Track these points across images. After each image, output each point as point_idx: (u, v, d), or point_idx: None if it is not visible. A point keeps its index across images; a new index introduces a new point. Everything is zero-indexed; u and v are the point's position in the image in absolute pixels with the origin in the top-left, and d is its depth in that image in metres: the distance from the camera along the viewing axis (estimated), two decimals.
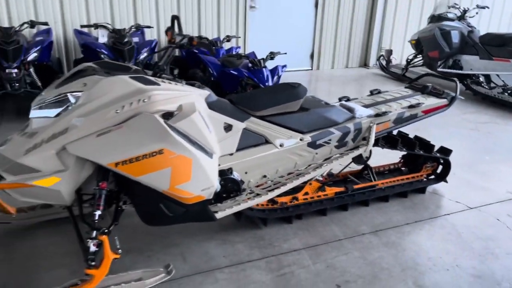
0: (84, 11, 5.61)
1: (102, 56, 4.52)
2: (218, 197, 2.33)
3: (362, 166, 3.05)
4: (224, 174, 2.32)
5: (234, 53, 5.28)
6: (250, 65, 4.40)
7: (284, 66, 4.64)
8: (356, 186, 2.90)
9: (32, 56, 4.34)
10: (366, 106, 2.88)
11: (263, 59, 4.43)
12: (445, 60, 6.26)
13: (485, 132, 4.62)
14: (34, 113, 1.98)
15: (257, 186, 2.50)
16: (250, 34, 6.84)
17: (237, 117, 2.33)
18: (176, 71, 2.33)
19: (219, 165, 2.23)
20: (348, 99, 3.03)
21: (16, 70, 4.23)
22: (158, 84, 2.04)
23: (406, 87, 3.24)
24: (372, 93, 3.17)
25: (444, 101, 2.96)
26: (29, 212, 2.57)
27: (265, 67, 4.36)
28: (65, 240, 2.43)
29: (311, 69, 7.62)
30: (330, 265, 2.34)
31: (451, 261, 2.41)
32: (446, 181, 3.19)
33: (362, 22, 7.71)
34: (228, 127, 2.28)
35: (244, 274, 2.25)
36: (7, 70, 4.19)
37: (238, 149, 2.35)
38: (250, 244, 2.49)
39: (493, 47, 5.67)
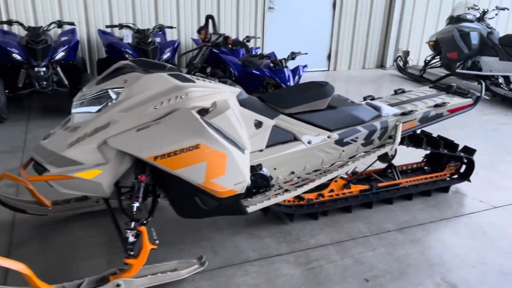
0: (107, 11, 5.74)
1: (126, 56, 4.62)
2: (249, 192, 2.38)
3: (386, 164, 3.09)
4: (254, 170, 2.37)
5: (253, 53, 5.33)
6: (271, 65, 4.45)
7: (305, 66, 4.68)
8: (380, 184, 2.93)
9: (59, 55, 4.47)
10: (391, 105, 2.92)
11: (284, 59, 4.48)
12: (464, 61, 6.25)
13: (506, 133, 4.61)
14: (76, 108, 2.07)
15: (285, 182, 2.55)
16: (268, 35, 6.90)
17: (267, 114, 2.39)
18: (208, 69, 2.39)
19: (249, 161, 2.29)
20: (373, 98, 3.07)
21: (44, 69, 4.37)
22: (194, 82, 2.11)
23: (430, 87, 3.27)
24: (396, 92, 3.20)
25: (469, 101, 2.99)
26: (64, 205, 2.66)
27: (286, 67, 4.41)
28: (100, 232, 2.52)
29: (328, 70, 7.65)
30: (358, 260, 2.38)
31: (478, 258, 2.43)
32: (469, 181, 3.21)
33: (379, 23, 7.72)
34: (258, 124, 2.33)
35: (274, 267, 2.30)
36: (36, 69, 4.33)
37: (267, 146, 2.41)
38: (277, 239, 2.54)
39: None
